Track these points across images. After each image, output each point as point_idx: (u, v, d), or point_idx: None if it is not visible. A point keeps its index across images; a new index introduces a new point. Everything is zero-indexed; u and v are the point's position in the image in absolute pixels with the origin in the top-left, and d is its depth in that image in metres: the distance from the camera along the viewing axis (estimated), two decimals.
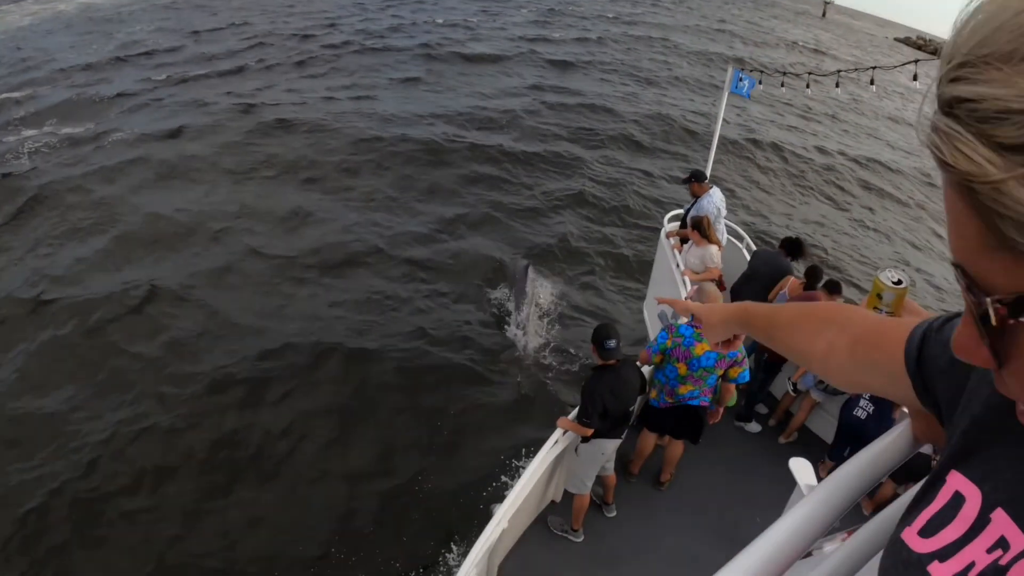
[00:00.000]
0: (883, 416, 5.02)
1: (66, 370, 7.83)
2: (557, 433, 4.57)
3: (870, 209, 17.00)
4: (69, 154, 14.30)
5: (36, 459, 6.63)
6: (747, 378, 4.83)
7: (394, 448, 7.08)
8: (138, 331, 8.47)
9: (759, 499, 4.65)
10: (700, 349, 4.48)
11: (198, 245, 10.72)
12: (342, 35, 27.45)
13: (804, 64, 33.96)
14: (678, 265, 6.60)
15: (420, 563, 5.85)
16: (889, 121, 27.49)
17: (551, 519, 4.84)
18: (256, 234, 11.13)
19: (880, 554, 0.82)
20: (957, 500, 0.61)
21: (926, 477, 0.69)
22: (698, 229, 6.31)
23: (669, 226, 7.48)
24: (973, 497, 0.59)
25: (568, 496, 4.78)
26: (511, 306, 9.44)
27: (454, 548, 5.92)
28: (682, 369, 4.57)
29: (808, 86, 7.17)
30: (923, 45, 72.77)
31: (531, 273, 9.93)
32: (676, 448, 5.09)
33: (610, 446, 4.54)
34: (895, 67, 6.35)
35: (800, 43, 44.69)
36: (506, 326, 9.13)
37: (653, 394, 4.86)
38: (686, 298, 4.91)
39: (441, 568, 5.80)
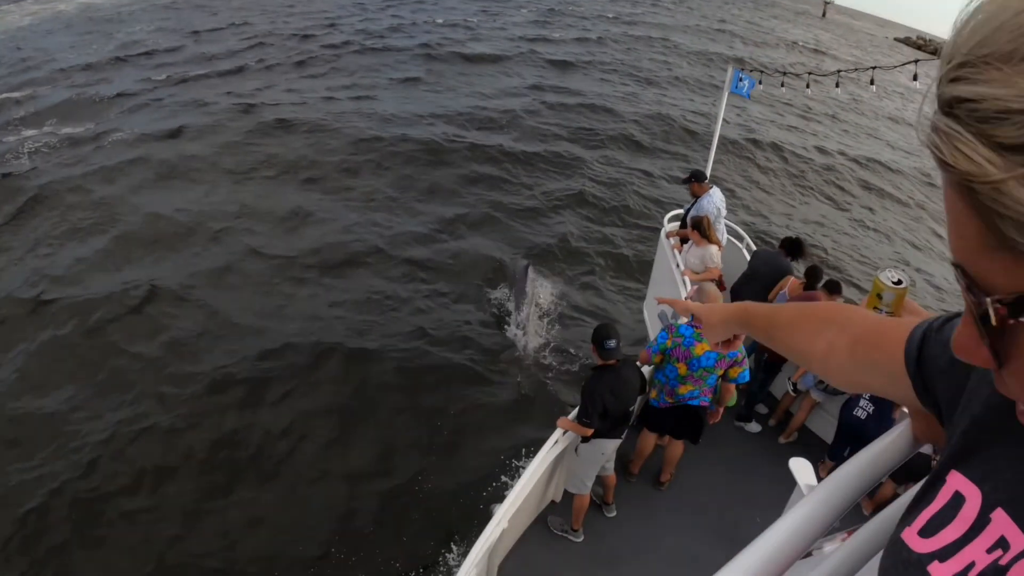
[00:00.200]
0: (883, 416, 5.01)
1: (66, 370, 7.83)
2: (557, 433, 4.57)
3: (870, 209, 17.00)
4: (69, 154, 14.30)
5: (36, 459, 6.62)
6: (747, 378, 4.83)
7: (394, 448, 7.07)
8: (138, 331, 8.47)
9: (759, 499, 4.66)
10: (700, 349, 4.48)
11: (198, 245, 10.72)
12: (342, 35, 27.44)
13: (804, 64, 33.97)
14: (678, 265, 6.59)
15: (420, 563, 5.84)
16: (889, 121, 27.48)
17: (551, 519, 4.83)
18: (256, 234, 11.13)
19: (880, 554, 0.82)
20: (957, 500, 0.61)
21: (926, 477, 0.69)
22: (698, 229, 6.30)
23: (669, 226, 7.47)
24: (973, 497, 0.59)
25: (568, 496, 4.77)
26: (511, 306, 9.44)
27: (454, 548, 5.91)
28: (682, 369, 4.57)
29: (808, 86, 7.16)
30: (923, 45, 72.74)
31: (531, 273, 9.92)
32: (676, 448, 5.09)
33: (610, 446, 4.53)
34: (895, 67, 6.34)
35: (800, 43, 44.66)
36: (506, 326, 9.13)
37: (653, 394, 4.86)
38: (686, 298, 4.90)
39: (441, 568, 5.79)
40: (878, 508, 4.61)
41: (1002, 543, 0.55)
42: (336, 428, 7.21)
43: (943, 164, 0.43)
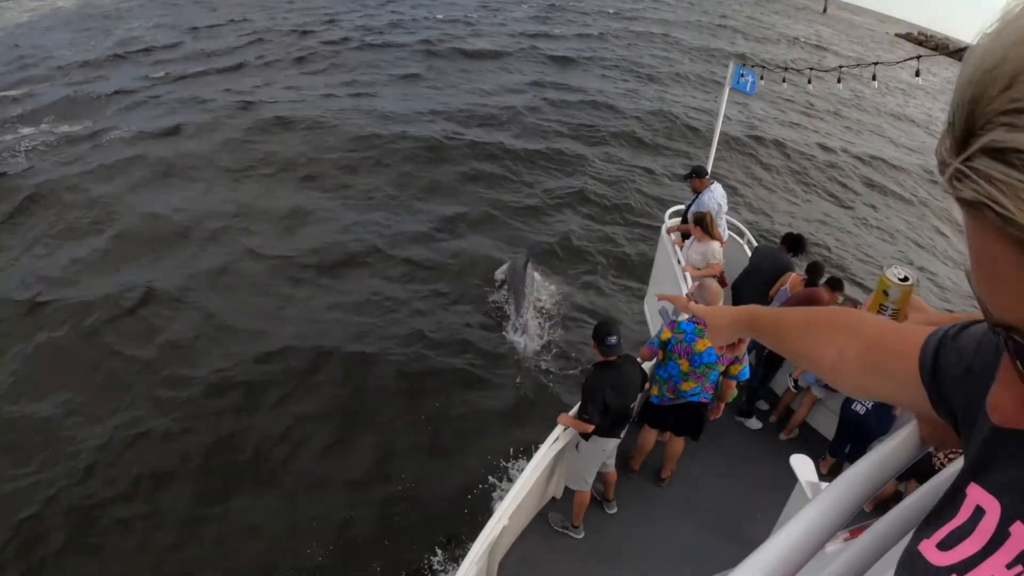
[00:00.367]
0: (883, 411, 5.03)
1: (62, 374, 7.73)
2: (558, 430, 4.54)
3: (873, 207, 16.91)
4: (66, 152, 14.19)
5: (31, 465, 6.54)
6: (747, 375, 4.84)
7: (393, 451, 7.01)
8: (134, 334, 8.38)
9: (760, 495, 4.77)
10: (702, 345, 4.46)
11: (195, 245, 10.62)
12: (341, 31, 27.30)
13: (806, 60, 33.87)
14: (679, 261, 6.58)
15: (420, 567, 5.79)
16: (891, 118, 27.39)
17: (552, 516, 4.83)
18: (254, 234, 11.03)
19: (885, 555, 0.87)
20: (977, 513, 0.59)
21: (946, 490, 0.67)
22: (701, 225, 6.25)
23: (670, 222, 7.47)
24: (992, 510, 0.58)
25: (569, 493, 4.77)
26: (511, 305, 9.36)
27: (455, 550, 5.86)
28: (684, 365, 4.55)
29: (810, 81, 7.11)
30: (924, 41, 72.64)
31: (531, 271, 9.86)
32: (677, 444, 5.10)
33: (611, 444, 4.54)
34: (897, 63, 6.28)
35: (802, 39, 44.53)
36: (506, 326, 9.05)
37: (654, 391, 4.84)
38: (687, 294, 4.97)
39: (442, 568, 5.76)
40: (879, 506, 4.57)
41: (1021, 558, 0.54)
42: (335, 432, 7.13)
43: (1001, 217, 0.39)
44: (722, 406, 4.96)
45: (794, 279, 5.97)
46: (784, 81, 7.45)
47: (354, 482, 6.60)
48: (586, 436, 4.44)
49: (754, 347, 5.78)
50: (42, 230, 11.02)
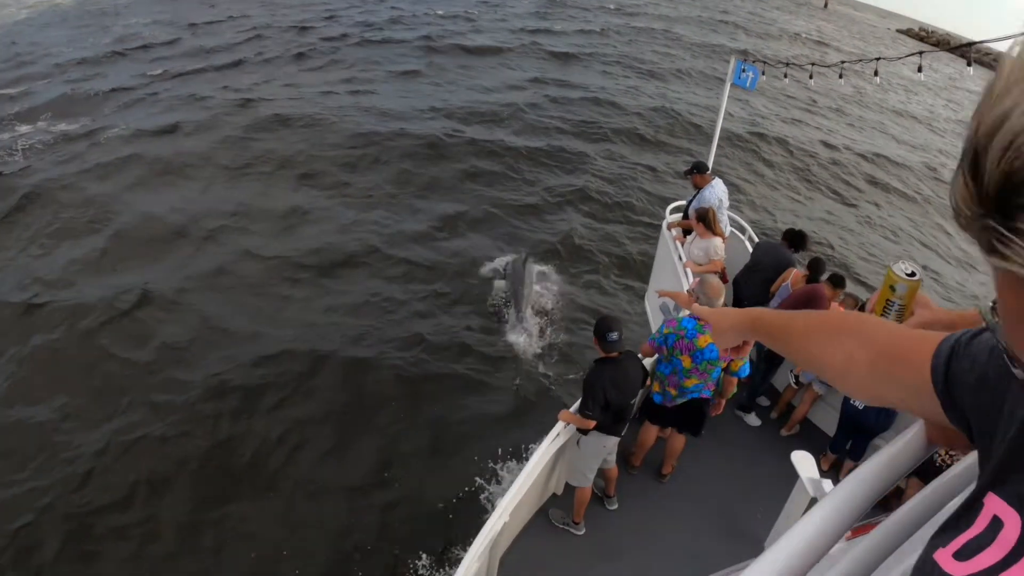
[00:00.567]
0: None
1: (57, 377, 7.64)
2: (559, 426, 4.52)
3: (876, 204, 16.84)
4: (63, 151, 14.08)
5: (26, 471, 6.45)
6: (748, 371, 4.83)
7: (392, 452, 6.95)
8: (131, 337, 8.28)
9: (761, 492, 4.79)
10: (703, 341, 4.42)
11: (193, 246, 10.52)
12: (341, 27, 27.16)
13: (807, 56, 33.71)
14: (680, 257, 6.57)
15: (421, 566, 5.75)
16: (893, 114, 27.29)
17: (553, 512, 4.82)
18: (252, 234, 10.94)
19: (890, 556, 0.90)
20: (995, 524, 0.58)
21: (965, 500, 0.65)
22: (703, 221, 6.21)
23: (671, 218, 7.46)
24: (1012, 521, 0.57)
25: (570, 489, 4.75)
26: (511, 305, 9.28)
27: (455, 550, 5.82)
28: (687, 362, 4.51)
29: (811, 77, 7.08)
30: (925, 37, 72.58)
31: (530, 269, 9.79)
32: (678, 441, 5.09)
33: (611, 440, 4.54)
34: (899, 59, 6.20)
35: (803, 34, 44.43)
36: (506, 326, 8.99)
37: (656, 387, 4.81)
38: (689, 290, 5.01)
39: (443, 565, 5.75)
40: (879, 503, 4.53)
41: None
42: (333, 435, 7.06)
43: None
44: (723, 402, 4.96)
45: (796, 275, 5.96)
46: (786, 76, 7.42)
47: (353, 485, 6.53)
48: (587, 432, 4.43)
49: (756, 343, 5.72)
50: (38, 230, 10.92)
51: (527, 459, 6.52)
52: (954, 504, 0.94)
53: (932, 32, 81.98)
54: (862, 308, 5.57)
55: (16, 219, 11.25)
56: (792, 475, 4.20)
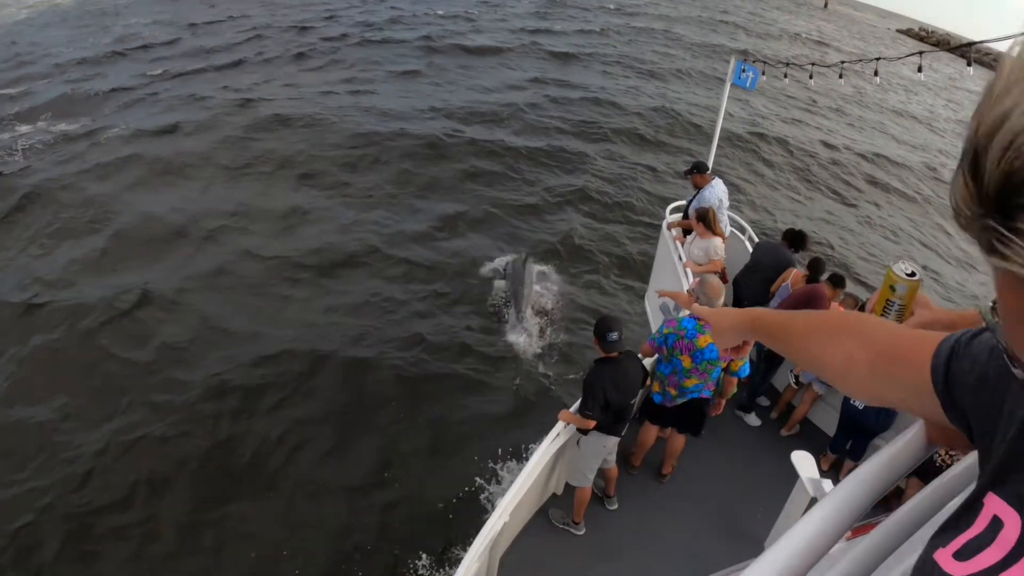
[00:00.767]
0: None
1: (57, 377, 7.62)
2: (559, 426, 4.52)
3: (876, 204, 16.83)
4: (63, 151, 14.07)
5: (26, 471, 6.44)
6: (748, 371, 4.83)
7: (392, 453, 6.94)
8: (131, 337, 8.27)
9: (761, 492, 4.82)
10: (703, 341, 4.42)
11: (192, 246, 10.51)
12: (341, 27, 27.15)
13: (807, 56, 33.70)
14: (680, 257, 6.56)
15: (421, 566, 5.75)
16: (893, 114, 27.28)
17: (553, 512, 4.81)
18: (252, 234, 10.93)
19: (890, 556, 0.90)
20: (995, 524, 0.58)
21: (965, 500, 0.65)
22: (703, 221, 6.21)
23: (671, 217, 7.46)
24: (1012, 521, 0.57)
25: (570, 489, 4.75)
26: (511, 305, 9.27)
27: (455, 550, 5.81)
28: (687, 362, 4.51)
29: (811, 77, 7.09)
30: (925, 37, 72.59)
31: (529, 269, 9.78)
32: (678, 441, 5.09)
33: (611, 440, 4.53)
34: (900, 59, 6.22)
35: (803, 35, 44.42)
36: (505, 326, 8.98)
37: (656, 387, 4.81)
38: (689, 290, 5.01)
39: (443, 565, 5.75)
40: (879, 503, 4.53)
41: None
42: (333, 435, 7.05)
43: None
44: (723, 402, 4.96)
45: (795, 275, 5.96)
46: (786, 76, 7.44)
47: (353, 485, 6.52)
48: (587, 432, 4.42)
49: (756, 343, 5.72)
50: (38, 230, 10.90)
51: (527, 459, 6.51)
52: (954, 504, 0.95)
53: (932, 32, 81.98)
54: (862, 308, 5.59)
55: (16, 219, 11.24)
56: (792, 475, 4.21)
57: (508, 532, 4.32)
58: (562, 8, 37.63)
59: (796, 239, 6.37)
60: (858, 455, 5.40)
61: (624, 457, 5.17)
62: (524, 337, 8.75)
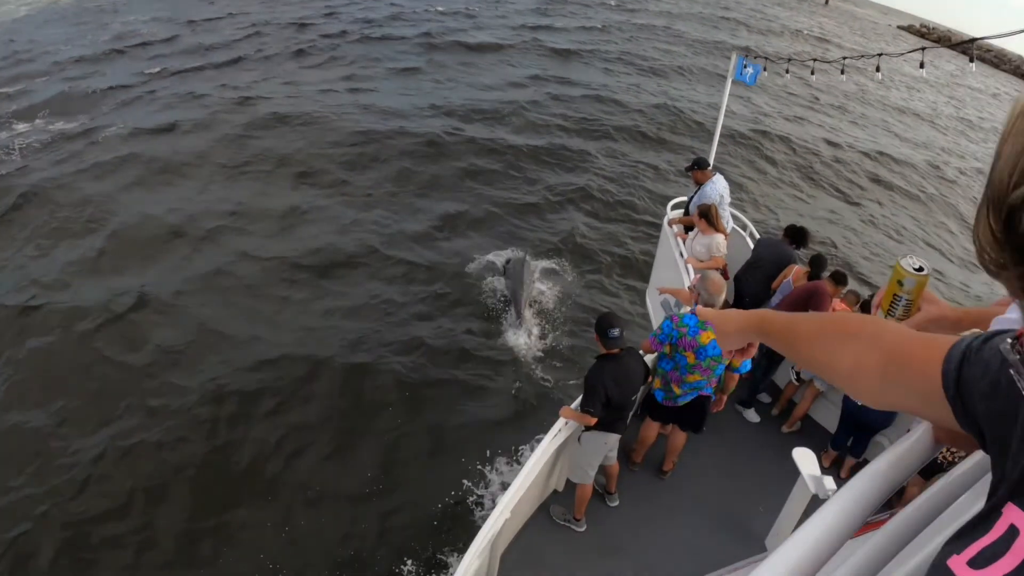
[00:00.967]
0: None
1: (52, 382, 7.54)
2: (560, 423, 4.52)
3: (879, 203, 16.75)
4: (61, 150, 13.98)
5: (21, 477, 6.36)
6: (749, 367, 4.87)
7: (392, 455, 6.89)
8: (127, 340, 8.18)
9: (762, 488, 4.92)
10: (706, 337, 4.40)
11: (190, 247, 10.42)
12: (340, 24, 27.03)
13: (809, 52, 33.63)
14: (681, 254, 6.57)
15: (422, 566, 5.72)
16: (896, 112, 27.18)
17: (553, 508, 4.82)
18: (250, 234, 10.84)
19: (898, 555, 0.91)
20: (1012, 532, 0.57)
21: (982, 509, 0.64)
22: (706, 217, 6.20)
23: (672, 213, 7.47)
24: None
25: (571, 485, 4.74)
26: (511, 305, 9.20)
27: (455, 558, 5.73)
28: (690, 358, 4.49)
29: (813, 72, 7.09)
30: (926, 33, 72.39)
31: (528, 269, 9.72)
32: (679, 437, 5.09)
33: (613, 437, 4.54)
34: (901, 55, 6.20)
35: (804, 31, 44.30)
36: (505, 327, 8.92)
37: (657, 384, 4.79)
38: (690, 286, 5.03)
39: (443, 564, 5.73)
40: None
41: None
42: (333, 439, 6.99)
43: None
44: (724, 398, 4.99)
45: (797, 271, 5.98)
46: (787, 72, 7.43)
47: (352, 492, 6.46)
48: (588, 429, 4.42)
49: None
50: (35, 230, 10.81)
51: (528, 456, 6.49)
52: (958, 504, 0.97)
53: (933, 28, 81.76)
54: (864, 304, 5.55)
55: (13, 219, 11.15)
56: (793, 472, 4.17)
57: (509, 529, 4.34)
58: (563, 4, 37.46)
59: (797, 235, 6.38)
60: (859, 452, 5.43)
61: (625, 454, 5.18)
62: (524, 339, 8.69)
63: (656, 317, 7.00)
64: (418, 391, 7.67)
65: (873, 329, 0.94)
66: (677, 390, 4.64)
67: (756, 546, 4.55)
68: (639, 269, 10.89)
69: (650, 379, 4.81)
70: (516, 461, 6.70)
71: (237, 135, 14.81)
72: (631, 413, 4.61)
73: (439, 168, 13.94)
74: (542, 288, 9.86)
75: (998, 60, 62.72)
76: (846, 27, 57.17)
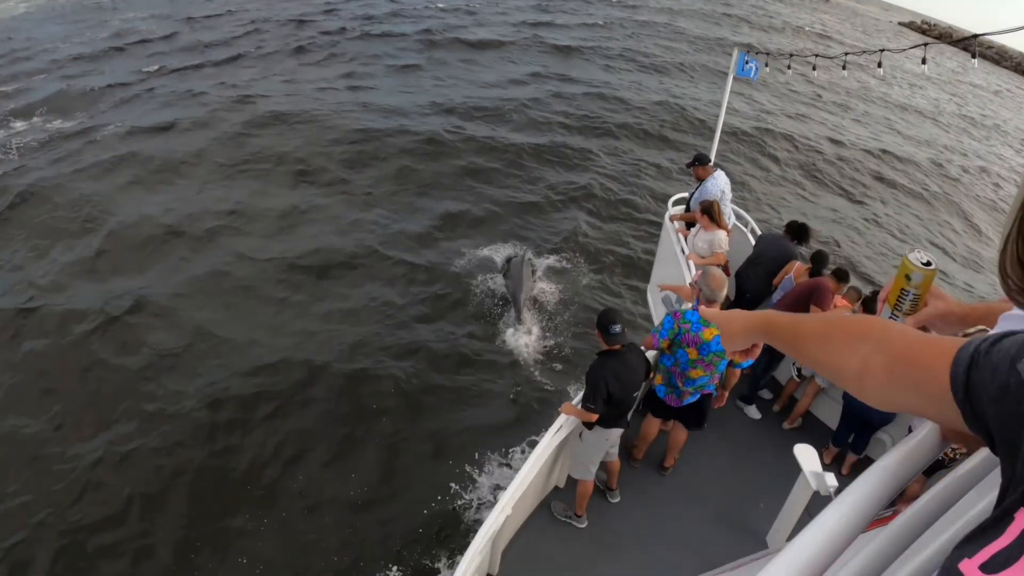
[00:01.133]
0: None
1: (49, 386, 7.47)
2: (561, 419, 4.52)
3: (882, 201, 16.67)
4: (58, 149, 13.88)
5: (16, 484, 6.30)
6: (750, 363, 4.68)
7: (392, 457, 6.86)
8: (124, 344, 8.10)
9: (763, 485, 4.95)
10: (709, 334, 4.39)
11: (188, 248, 10.33)
12: (340, 21, 26.91)
13: (811, 48, 33.57)
14: (683, 250, 6.54)
15: (422, 566, 5.69)
16: (898, 109, 27.08)
17: (555, 505, 4.82)
18: (249, 235, 10.76)
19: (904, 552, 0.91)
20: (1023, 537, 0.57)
21: (994, 513, 0.63)
22: (708, 214, 6.17)
23: (673, 209, 7.47)
24: None
25: (572, 482, 4.77)
26: (511, 306, 9.13)
27: (455, 559, 5.68)
28: (692, 354, 4.49)
29: (814, 68, 7.05)
30: (927, 30, 72.27)
31: (530, 268, 9.66)
32: (680, 433, 5.09)
33: (614, 433, 4.53)
34: (903, 51, 6.17)
35: (806, 27, 44.23)
36: (506, 328, 8.85)
37: (658, 380, 4.79)
38: (691, 282, 5.07)
39: (443, 562, 5.72)
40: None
41: None
42: (332, 443, 6.93)
43: None
44: (725, 395, 5.00)
45: (798, 268, 5.97)
46: (789, 68, 7.39)
47: (352, 495, 6.41)
48: (589, 425, 4.41)
49: None
50: (32, 230, 10.73)
51: (529, 455, 6.44)
52: (963, 503, 0.97)
53: (934, 25, 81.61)
54: (867, 300, 5.52)
55: (9, 218, 11.07)
56: (794, 468, 4.13)
57: (510, 525, 4.35)
58: (563, 1, 37.33)
59: (799, 232, 6.35)
60: (860, 449, 5.43)
61: (626, 450, 5.17)
62: (524, 340, 8.62)
63: (657, 313, 7.00)
64: (417, 395, 7.61)
65: (880, 331, 0.93)
66: (682, 386, 4.63)
67: (757, 543, 4.55)
68: (641, 269, 10.81)
69: (652, 375, 4.80)
70: (516, 465, 6.64)
71: (236, 133, 14.71)
72: (632, 409, 4.60)
73: (439, 166, 13.85)
74: (543, 288, 9.78)
75: (999, 57, 62.75)
76: (847, 23, 57.07)
